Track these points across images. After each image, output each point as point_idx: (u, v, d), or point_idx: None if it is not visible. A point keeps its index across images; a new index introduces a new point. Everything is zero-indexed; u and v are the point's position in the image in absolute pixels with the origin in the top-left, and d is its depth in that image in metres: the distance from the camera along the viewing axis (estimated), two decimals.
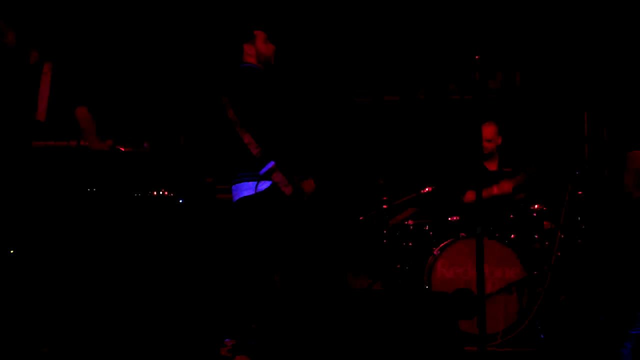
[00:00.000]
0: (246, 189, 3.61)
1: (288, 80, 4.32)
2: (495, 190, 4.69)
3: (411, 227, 4.63)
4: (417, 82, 6.50)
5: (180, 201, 5.03)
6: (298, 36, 6.09)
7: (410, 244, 4.61)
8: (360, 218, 5.01)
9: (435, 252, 4.27)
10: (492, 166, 4.98)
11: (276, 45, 3.85)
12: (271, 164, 3.54)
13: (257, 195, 3.57)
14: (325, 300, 3.17)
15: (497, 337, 3.93)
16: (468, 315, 4.05)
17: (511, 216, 4.48)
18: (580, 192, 4.45)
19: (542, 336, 3.97)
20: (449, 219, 4.54)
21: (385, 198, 4.74)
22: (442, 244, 4.30)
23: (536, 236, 4.40)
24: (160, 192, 4.88)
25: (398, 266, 4.76)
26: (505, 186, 4.69)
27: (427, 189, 4.79)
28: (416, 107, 6.49)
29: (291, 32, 5.81)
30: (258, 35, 3.76)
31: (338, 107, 6.56)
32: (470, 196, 4.81)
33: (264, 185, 3.57)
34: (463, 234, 4.36)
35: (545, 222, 4.42)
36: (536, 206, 4.47)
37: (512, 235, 4.41)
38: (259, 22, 3.89)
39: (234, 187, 3.70)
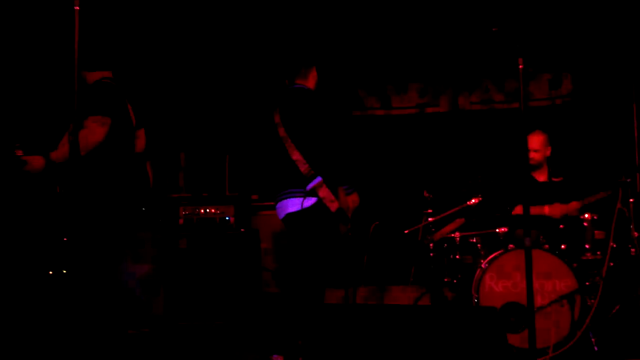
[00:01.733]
0: (292, 205, 3.67)
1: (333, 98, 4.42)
2: (546, 210, 4.62)
3: (458, 240, 4.58)
4: (460, 92, 6.48)
5: (227, 218, 5.14)
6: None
7: (457, 256, 4.56)
8: (406, 232, 4.98)
9: (483, 265, 4.21)
10: (540, 177, 4.89)
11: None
12: (318, 179, 3.59)
13: (304, 211, 3.62)
14: (371, 315, 3.16)
15: (549, 351, 3.84)
16: (518, 329, 3.98)
17: (561, 226, 4.39)
18: (632, 200, 4.34)
19: (595, 349, 3.86)
20: (497, 230, 4.48)
21: (431, 210, 4.71)
22: (490, 257, 4.24)
23: (587, 246, 4.30)
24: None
25: (445, 280, 4.71)
26: (557, 209, 4.63)
27: (474, 200, 4.74)
28: (461, 117, 6.45)
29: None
30: (313, 67, 3.95)
31: (384, 120, 6.59)
32: (519, 211, 4.75)
33: (310, 201, 3.62)
34: (512, 245, 4.29)
35: (596, 232, 4.31)
36: (587, 215, 4.38)
37: (563, 246, 4.33)
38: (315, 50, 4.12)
39: (279, 204, 3.77)
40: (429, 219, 4.69)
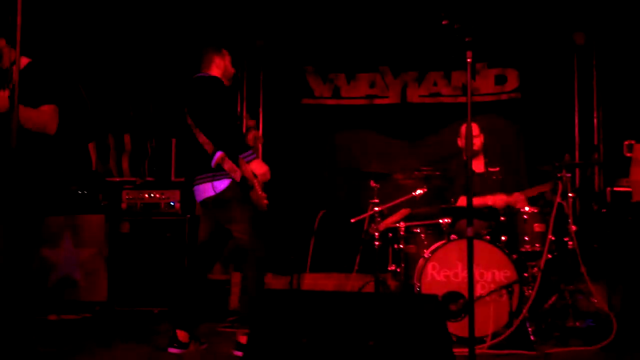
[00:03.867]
0: (205, 190, 3.79)
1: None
2: (489, 201, 4.73)
3: (402, 230, 4.64)
4: (409, 84, 6.56)
5: (172, 204, 5.06)
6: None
7: (402, 246, 4.62)
8: (352, 220, 5.02)
9: (426, 255, 4.28)
10: (477, 166, 5.03)
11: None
12: (219, 154, 3.71)
13: (218, 195, 3.75)
14: (315, 301, 3.18)
15: (487, 339, 3.94)
16: (458, 317, 4.07)
17: (502, 218, 4.50)
18: (571, 195, 4.48)
19: (532, 338, 3.98)
20: (440, 221, 4.55)
21: (377, 200, 4.76)
22: (433, 247, 4.31)
23: (527, 238, 4.42)
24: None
25: (389, 268, 4.78)
26: (499, 200, 4.75)
27: (419, 192, 4.82)
28: (410, 109, 6.54)
29: None
30: (227, 55, 4.05)
31: (334, 109, 6.61)
32: (462, 202, 4.85)
33: (221, 184, 3.74)
34: (454, 236, 4.37)
35: (535, 225, 4.44)
36: (527, 208, 4.50)
37: (503, 238, 4.43)
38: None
39: (194, 188, 3.87)
40: (375, 208, 4.74)
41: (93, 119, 5.92)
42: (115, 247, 5.11)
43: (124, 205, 5.15)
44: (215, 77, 3.91)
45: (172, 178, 5.83)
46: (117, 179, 5.80)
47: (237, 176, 3.74)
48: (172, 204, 5.09)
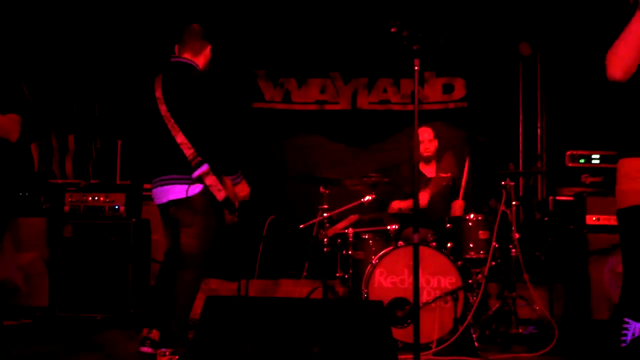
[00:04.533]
0: (176, 191, 3.47)
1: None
2: (397, 205, 4.80)
3: (351, 236, 4.65)
4: (359, 91, 6.60)
5: (117, 207, 4.96)
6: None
7: (350, 252, 4.64)
8: (301, 226, 5.01)
9: (373, 261, 4.30)
10: (429, 172, 5.10)
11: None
12: (205, 167, 3.42)
13: (189, 199, 3.46)
14: (263, 307, 3.15)
15: (432, 345, 3.98)
16: (403, 323, 4.09)
17: (448, 226, 4.56)
18: (514, 203, 4.58)
19: (475, 344, 4.04)
20: (389, 228, 4.59)
21: (326, 206, 4.76)
22: (381, 253, 4.34)
23: (471, 245, 4.48)
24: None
25: (338, 274, 4.78)
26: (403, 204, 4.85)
27: (368, 198, 4.84)
28: (360, 116, 6.58)
29: None
30: (209, 46, 3.70)
31: (284, 113, 6.60)
32: (394, 206, 4.92)
33: (196, 189, 3.45)
34: (401, 242, 4.41)
35: (480, 232, 4.51)
36: (472, 216, 4.56)
37: (449, 244, 4.49)
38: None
39: (160, 189, 3.55)
40: (324, 214, 4.74)
41: (36, 118, 5.75)
42: (57, 251, 4.96)
43: (66, 208, 5.01)
44: (203, 72, 3.57)
45: (117, 181, 5.70)
46: (60, 181, 5.64)
47: (221, 196, 3.47)
48: (116, 207, 4.97)
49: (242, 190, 3.68)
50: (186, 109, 3.46)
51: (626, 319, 2.47)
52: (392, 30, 3.19)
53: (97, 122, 6.19)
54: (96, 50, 6.18)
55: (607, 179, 5.39)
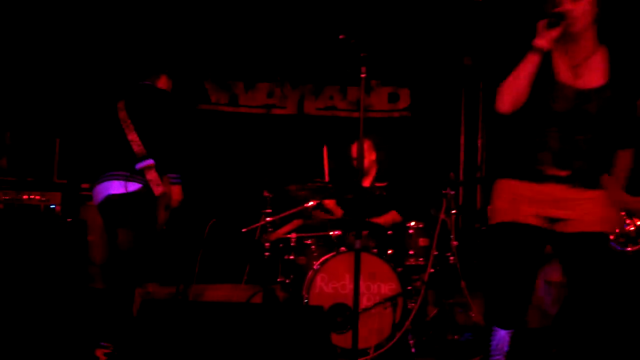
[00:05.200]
0: (115, 187, 3.56)
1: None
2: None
3: (294, 241, 4.65)
4: (306, 96, 6.62)
5: (53, 207, 4.81)
6: None
7: (292, 257, 4.63)
8: (243, 230, 4.97)
9: (315, 267, 4.30)
10: (366, 182, 5.15)
11: None
12: (150, 161, 3.53)
13: (127, 195, 3.54)
14: (201, 312, 3.11)
15: (370, 351, 4.01)
16: (343, 329, 4.11)
17: (389, 232, 4.61)
18: (453, 212, 4.67)
19: (412, 350, 4.09)
20: (331, 233, 4.60)
21: (269, 210, 4.74)
22: (323, 258, 4.35)
23: (411, 252, 4.54)
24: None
25: (279, 280, 4.76)
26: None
27: (312, 203, 4.84)
28: (307, 121, 6.60)
29: None
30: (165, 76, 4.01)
31: (231, 116, 6.55)
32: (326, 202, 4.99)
33: (134, 186, 3.54)
34: (343, 248, 4.43)
35: (420, 239, 4.58)
36: (413, 223, 4.63)
37: (390, 251, 4.54)
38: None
39: (99, 185, 3.62)
40: (267, 218, 4.72)
41: None
42: None
43: (0, 206, 4.83)
44: (168, 93, 3.87)
45: (55, 179, 5.52)
46: None
47: (158, 191, 3.58)
48: (52, 206, 4.82)
49: (177, 194, 3.79)
50: (145, 117, 3.64)
51: (494, 327, 2.61)
52: (340, 37, 3.24)
53: (35, 120, 6.00)
54: (36, 47, 5.99)
55: None
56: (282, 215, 4.85)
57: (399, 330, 4.09)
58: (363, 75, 3.18)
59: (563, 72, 2.55)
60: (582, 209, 2.54)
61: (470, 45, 6.33)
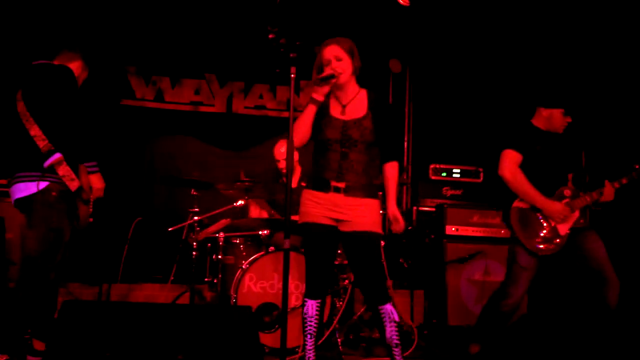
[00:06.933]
0: (25, 188, 3.32)
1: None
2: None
3: (222, 240, 4.60)
4: (235, 95, 6.57)
5: None
6: None
7: (220, 256, 4.58)
8: (170, 229, 4.88)
9: (244, 266, 4.28)
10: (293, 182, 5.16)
11: None
12: (57, 155, 3.30)
13: (38, 194, 3.31)
14: (125, 312, 3.03)
15: (298, 350, 4.02)
16: (271, 328, 4.10)
17: None
18: (381, 212, 4.73)
19: (340, 349, 4.13)
20: (260, 233, 4.58)
21: (197, 209, 4.67)
22: (251, 258, 4.32)
23: (339, 251, 4.58)
24: None
25: (206, 279, 4.71)
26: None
27: (240, 202, 4.81)
28: (235, 120, 6.54)
29: None
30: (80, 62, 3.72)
31: (156, 112, 6.41)
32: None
33: (45, 184, 3.31)
34: (272, 248, 4.42)
35: None
36: None
37: None
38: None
39: (12, 187, 3.40)
40: (195, 217, 4.65)
41: None
42: None
43: None
44: (67, 67, 3.46)
45: None
46: None
47: (74, 186, 3.33)
48: None
49: (98, 182, 3.54)
50: (43, 104, 3.36)
51: (305, 299, 3.39)
52: (270, 36, 3.26)
53: None
54: None
55: (466, 192, 5.74)
56: (210, 214, 4.79)
57: (327, 329, 4.12)
58: (293, 76, 3.17)
59: (333, 109, 3.37)
60: (355, 213, 3.29)
61: (397, 47, 6.44)
